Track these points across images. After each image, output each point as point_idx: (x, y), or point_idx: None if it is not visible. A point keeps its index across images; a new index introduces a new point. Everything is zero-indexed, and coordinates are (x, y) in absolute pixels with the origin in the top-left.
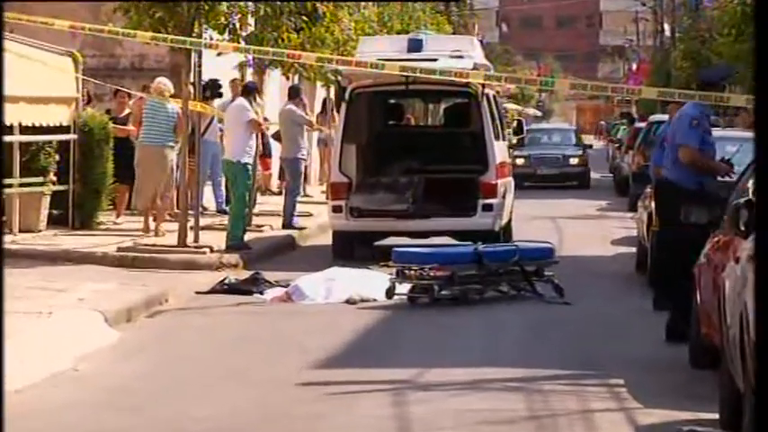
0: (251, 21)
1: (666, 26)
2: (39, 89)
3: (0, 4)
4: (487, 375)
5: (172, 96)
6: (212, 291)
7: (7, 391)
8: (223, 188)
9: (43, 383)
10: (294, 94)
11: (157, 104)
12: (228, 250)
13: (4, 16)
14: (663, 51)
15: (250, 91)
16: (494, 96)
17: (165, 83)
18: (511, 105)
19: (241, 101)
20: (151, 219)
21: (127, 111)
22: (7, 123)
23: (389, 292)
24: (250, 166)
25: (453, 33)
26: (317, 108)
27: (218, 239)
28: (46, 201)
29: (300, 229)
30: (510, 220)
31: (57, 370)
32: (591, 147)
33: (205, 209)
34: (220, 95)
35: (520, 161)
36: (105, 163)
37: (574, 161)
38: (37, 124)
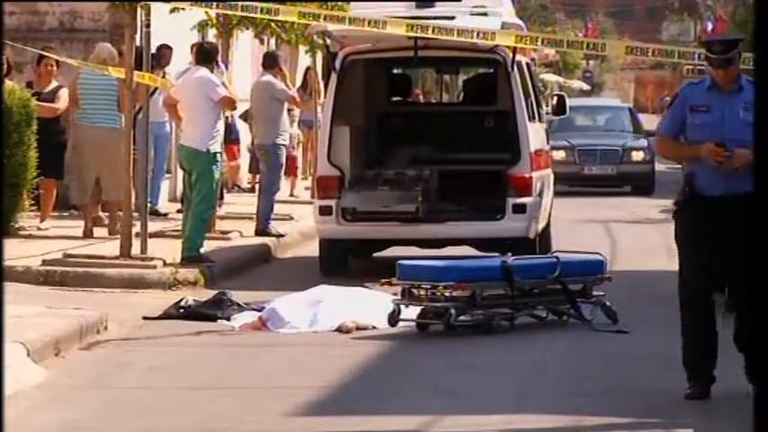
0: None
1: None
2: None
3: (0, 4)
4: (520, 424)
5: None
6: (164, 316)
7: None
8: (162, 182)
9: None
10: (271, 62)
11: (98, 76)
12: (185, 263)
13: (3, 16)
14: (745, 7)
15: (210, 56)
16: (527, 65)
17: (108, 49)
18: (550, 77)
19: (204, 72)
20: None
21: (54, 84)
22: None
23: (393, 318)
24: (219, 156)
25: None
26: (299, 80)
27: (173, 250)
28: None
29: (278, 236)
30: (548, 225)
31: None
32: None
33: (156, 211)
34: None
35: (558, 154)
36: (27, 151)
37: (638, 156)
38: None
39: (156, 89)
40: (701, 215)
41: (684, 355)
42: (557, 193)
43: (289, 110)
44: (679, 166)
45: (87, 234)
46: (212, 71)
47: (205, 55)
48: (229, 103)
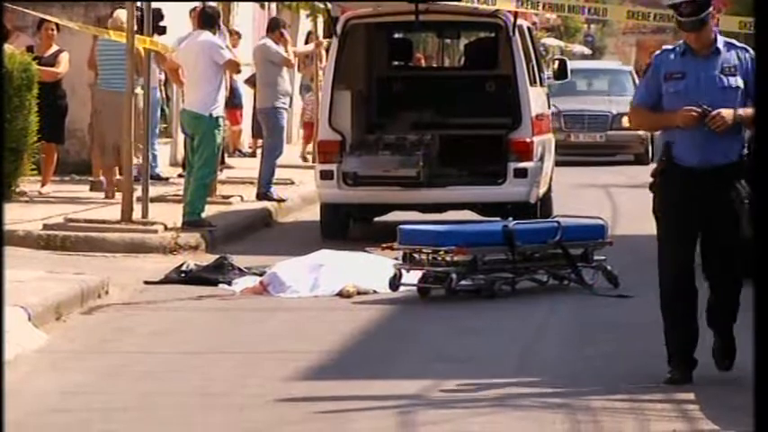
0: None
1: None
2: None
3: (0, 3)
4: (520, 389)
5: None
6: (166, 280)
7: None
8: (156, 146)
9: None
10: (273, 26)
11: (115, 42)
12: (186, 227)
13: (4, 16)
14: None
15: (212, 19)
16: (529, 29)
17: (119, 16)
18: (551, 41)
19: (207, 35)
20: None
21: (55, 48)
22: None
23: (394, 283)
24: (222, 120)
25: None
26: (300, 45)
27: (174, 214)
28: None
29: (279, 200)
30: (549, 190)
31: None
32: None
33: (157, 175)
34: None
35: None
36: (28, 115)
37: (629, 121)
38: None
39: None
40: (678, 186)
41: (666, 337)
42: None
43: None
44: None
45: (110, 196)
46: (214, 34)
47: (207, 19)
48: (234, 66)
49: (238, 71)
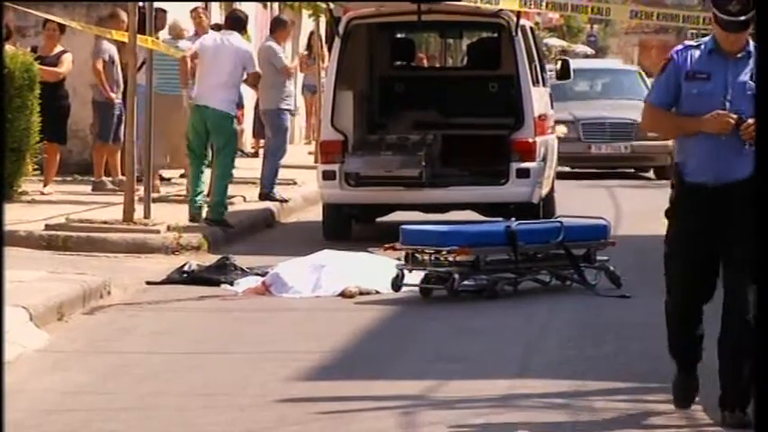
0: None
1: None
2: None
3: (0, 3)
4: (523, 389)
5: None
6: (168, 280)
7: None
8: None
9: None
10: (275, 27)
11: (169, 46)
12: (213, 223)
13: (4, 16)
14: None
15: (242, 23)
16: (531, 29)
17: (178, 22)
18: (554, 41)
19: (239, 39)
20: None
21: (59, 48)
22: None
23: (396, 283)
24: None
25: None
26: (302, 46)
27: (175, 214)
28: None
29: (282, 201)
30: (552, 190)
31: None
32: None
33: (161, 177)
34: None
35: (559, 130)
36: (30, 115)
37: None
38: None
39: (144, 62)
40: (691, 209)
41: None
42: (560, 176)
43: None
44: None
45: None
46: (242, 36)
47: (237, 21)
48: (257, 78)
49: (255, 85)
